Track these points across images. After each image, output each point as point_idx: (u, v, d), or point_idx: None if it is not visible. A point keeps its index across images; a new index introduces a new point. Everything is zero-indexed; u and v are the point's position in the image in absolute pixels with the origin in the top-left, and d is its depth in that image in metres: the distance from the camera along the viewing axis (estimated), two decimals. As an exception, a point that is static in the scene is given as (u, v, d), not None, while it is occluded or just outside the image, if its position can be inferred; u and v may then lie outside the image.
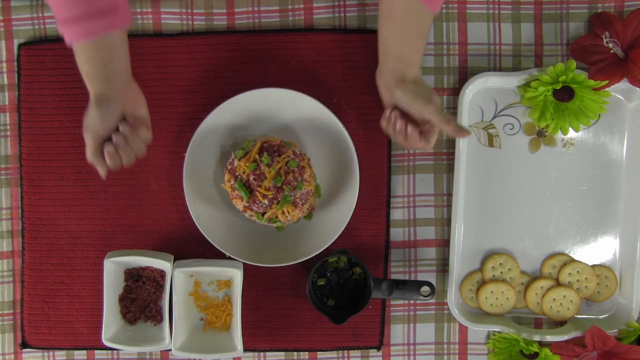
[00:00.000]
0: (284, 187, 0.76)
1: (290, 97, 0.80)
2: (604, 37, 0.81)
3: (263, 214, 0.79)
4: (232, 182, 0.78)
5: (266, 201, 0.77)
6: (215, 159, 0.83)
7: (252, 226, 0.84)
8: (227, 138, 0.83)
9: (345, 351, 0.87)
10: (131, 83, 0.74)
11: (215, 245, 0.81)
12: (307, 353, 0.87)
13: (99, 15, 0.65)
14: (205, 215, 0.82)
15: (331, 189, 0.84)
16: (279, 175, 0.76)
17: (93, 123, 0.70)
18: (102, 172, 0.72)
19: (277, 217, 0.79)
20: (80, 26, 0.66)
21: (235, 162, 0.78)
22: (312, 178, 0.81)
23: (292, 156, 0.78)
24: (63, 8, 0.65)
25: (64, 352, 0.87)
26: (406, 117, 0.75)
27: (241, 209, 0.79)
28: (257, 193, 0.77)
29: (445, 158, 0.86)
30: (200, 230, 0.81)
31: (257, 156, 0.77)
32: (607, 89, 0.81)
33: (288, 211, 0.78)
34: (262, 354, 0.87)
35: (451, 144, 0.85)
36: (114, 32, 0.68)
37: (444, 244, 0.86)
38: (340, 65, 0.84)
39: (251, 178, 0.77)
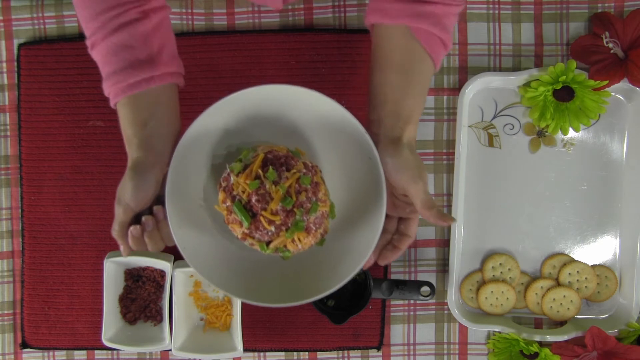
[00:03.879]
0: (295, 210, 0.62)
1: (297, 95, 0.65)
2: (604, 37, 0.81)
3: (268, 243, 0.64)
4: (229, 203, 0.63)
5: (272, 228, 0.62)
6: (206, 173, 0.69)
7: (253, 255, 0.68)
8: (219, 146, 0.68)
9: (345, 351, 0.87)
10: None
11: (207, 281, 0.66)
12: (307, 353, 0.87)
13: (139, 67, 0.60)
14: (193, 244, 0.66)
15: (348, 207, 0.69)
16: (289, 195, 0.62)
17: (124, 194, 0.61)
18: (123, 252, 0.64)
19: (285, 246, 0.64)
20: (119, 80, 0.60)
21: (232, 178, 0.63)
22: (327, 196, 0.66)
23: (304, 170, 0.63)
24: (106, 63, 0.61)
25: (64, 352, 0.87)
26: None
27: (240, 237, 0.64)
28: (261, 218, 0.61)
29: (445, 158, 0.86)
30: (189, 263, 0.65)
31: (260, 171, 0.62)
32: (607, 89, 0.81)
33: (299, 239, 0.63)
34: (262, 354, 0.87)
35: (451, 144, 0.85)
36: (155, 86, 0.61)
37: (444, 244, 0.86)
38: (340, 65, 0.84)
39: (253, 199, 0.61)
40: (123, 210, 0.61)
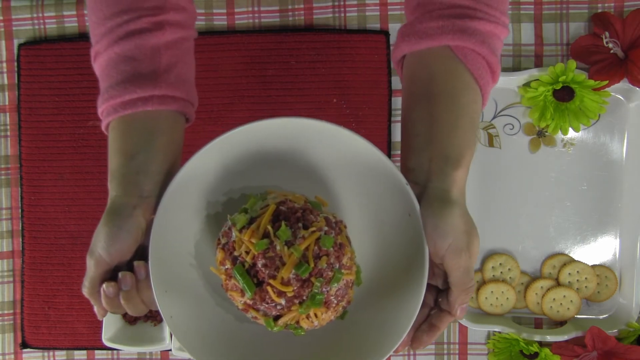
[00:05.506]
0: (312, 279, 0.49)
1: (316, 131, 0.52)
2: (604, 37, 0.81)
3: (276, 318, 0.51)
4: (228, 265, 0.51)
5: (283, 301, 0.49)
6: (199, 225, 0.55)
7: (256, 328, 0.55)
8: (218, 191, 0.55)
9: (345, 351, 0.87)
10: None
11: None
12: (307, 353, 0.87)
13: (138, 82, 0.51)
14: (182, 313, 0.53)
15: (378, 272, 0.56)
16: (305, 260, 0.49)
17: (97, 243, 0.50)
18: (98, 312, 0.53)
19: (297, 322, 0.51)
20: (113, 95, 0.51)
21: (234, 234, 0.50)
22: (353, 260, 0.53)
23: (326, 228, 0.50)
24: (104, 76, 0.52)
25: (64, 352, 0.87)
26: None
27: (240, 307, 0.52)
28: (269, 288, 0.49)
29: (445, 158, 0.86)
30: (176, 338, 0.52)
31: (269, 227, 0.49)
32: (607, 89, 0.81)
33: (316, 315, 0.51)
34: (262, 354, 0.87)
35: (451, 144, 0.85)
36: (153, 110, 0.51)
37: (444, 244, 0.86)
38: (340, 65, 0.84)
39: (259, 263, 0.49)
40: (95, 264, 0.50)
